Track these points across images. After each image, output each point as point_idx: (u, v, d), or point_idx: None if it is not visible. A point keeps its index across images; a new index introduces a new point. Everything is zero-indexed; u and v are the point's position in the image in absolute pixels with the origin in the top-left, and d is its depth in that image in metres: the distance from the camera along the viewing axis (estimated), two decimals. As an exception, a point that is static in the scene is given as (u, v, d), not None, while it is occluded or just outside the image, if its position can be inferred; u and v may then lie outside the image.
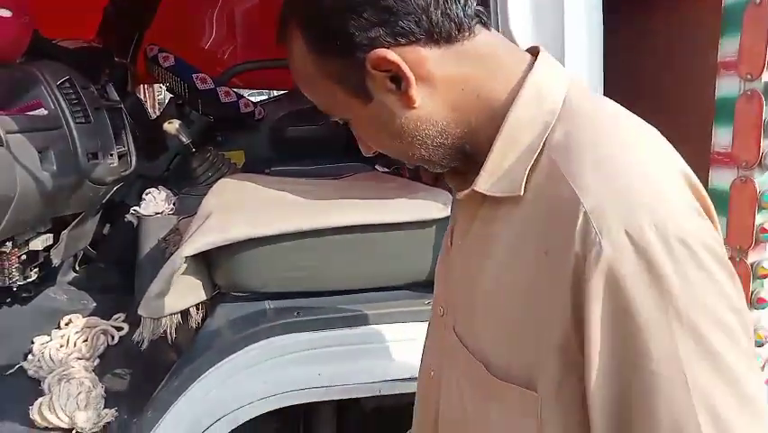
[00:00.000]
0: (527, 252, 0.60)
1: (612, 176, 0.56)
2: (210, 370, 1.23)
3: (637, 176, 0.56)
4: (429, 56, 0.62)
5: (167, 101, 2.94)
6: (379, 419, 1.64)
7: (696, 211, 0.57)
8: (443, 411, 0.76)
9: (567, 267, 0.55)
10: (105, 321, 2.02)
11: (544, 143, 0.61)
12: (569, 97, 0.63)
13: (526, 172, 0.61)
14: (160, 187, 2.23)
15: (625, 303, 0.53)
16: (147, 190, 2.19)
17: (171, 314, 1.33)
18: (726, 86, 1.11)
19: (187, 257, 1.31)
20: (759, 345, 1.15)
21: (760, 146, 1.05)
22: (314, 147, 2.74)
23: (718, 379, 0.53)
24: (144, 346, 1.33)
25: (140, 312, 1.33)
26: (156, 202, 2.16)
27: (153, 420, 1.27)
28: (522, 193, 0.61)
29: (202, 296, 1.44)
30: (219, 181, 1.81)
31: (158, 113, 3.62)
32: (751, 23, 1.05)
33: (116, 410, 1.54)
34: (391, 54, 0.61)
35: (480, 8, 0.65)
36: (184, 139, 2.18)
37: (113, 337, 1.98)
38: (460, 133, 0.66)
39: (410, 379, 1.28)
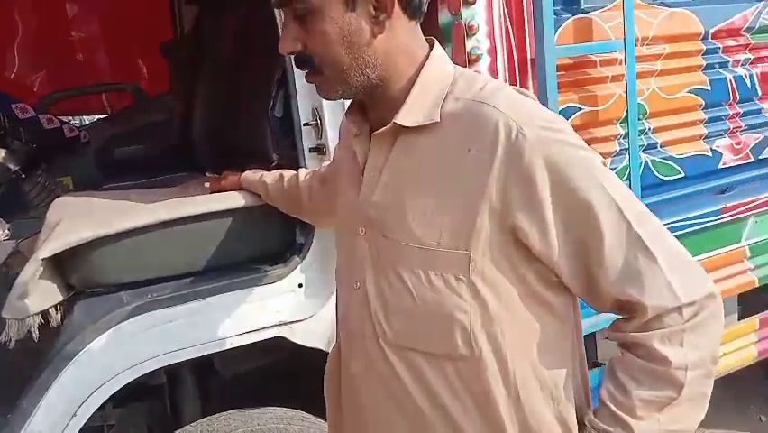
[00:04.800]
0: (449, 154, 0.87)
1: (517, 100, 0.89)
2: (81, 350, 1.44)
3: (527, 100, 0.92)
4: (400, 14, 0.90)
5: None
6: (236, 384, 1.93)
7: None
8: (389, 306, 0.93)
9: (493, 155, 0.83)
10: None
11: (447, 93, 0.90)
12: (455, 67, 0.96)
13: (439, 107, 0.89)
14: (-13, 216, 2.24)
15: (563, 171, 0.83)
16: (-26, 221, 2.20)
17: (35, 314, 1.50)
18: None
19: (43, 260, 1.49)
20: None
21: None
22: (141, 166, 2.86)
23: (630, 200, 0.87)
24: (12, 346, 1.48)
25: (4, 314, 1.48)
26: (-13, 231, 2.19)
27: (27, 411, 1.44)
28: (439, 120, 0.88)
29: (59, 297, 1.60)
30: (57, 199, 1.93)
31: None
32: (455, 37, 1.53)
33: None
34: None
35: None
36: (12, 167, 2.24)
37: (-42, 367, 1.99)
38: (382, 75, 0.91)
39: (252, 331, 1.62)
